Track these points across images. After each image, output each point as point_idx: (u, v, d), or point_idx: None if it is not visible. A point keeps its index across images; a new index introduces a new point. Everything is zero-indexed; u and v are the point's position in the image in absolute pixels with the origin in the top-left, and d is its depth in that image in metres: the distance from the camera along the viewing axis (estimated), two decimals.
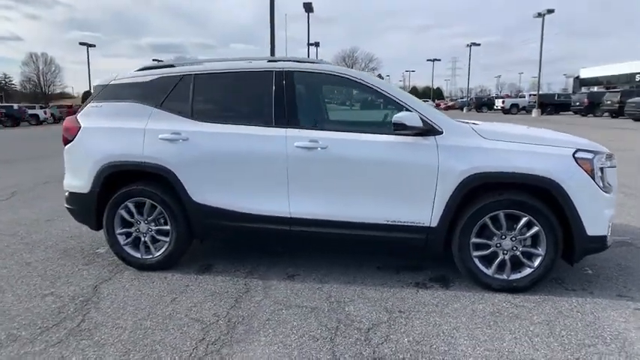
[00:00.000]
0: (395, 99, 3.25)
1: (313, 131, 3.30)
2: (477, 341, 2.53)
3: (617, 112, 25.66)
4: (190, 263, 3.75)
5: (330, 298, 3.10)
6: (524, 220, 3.03)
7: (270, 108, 3.37)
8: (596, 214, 2.99)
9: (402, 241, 3.24)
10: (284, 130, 3.30)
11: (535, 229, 3.03)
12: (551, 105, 35.25)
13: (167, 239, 3.56)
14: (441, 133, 3.12)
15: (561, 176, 2.94)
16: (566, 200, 2.95)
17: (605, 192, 3.03)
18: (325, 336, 2.60)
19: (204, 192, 3.41)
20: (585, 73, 54.35)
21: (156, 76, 3.62)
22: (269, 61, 3.61)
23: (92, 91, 3.95)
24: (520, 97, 42.94)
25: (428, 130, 3.10)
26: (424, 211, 3.12)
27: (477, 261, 3.15)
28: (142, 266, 3.60)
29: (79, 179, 3.64)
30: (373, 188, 3.19)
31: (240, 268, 3.65)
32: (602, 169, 3.03)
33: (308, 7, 29.43)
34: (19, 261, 3.89)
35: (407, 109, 3.17)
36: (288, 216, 3.31)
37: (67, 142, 3.70)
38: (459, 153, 3.06)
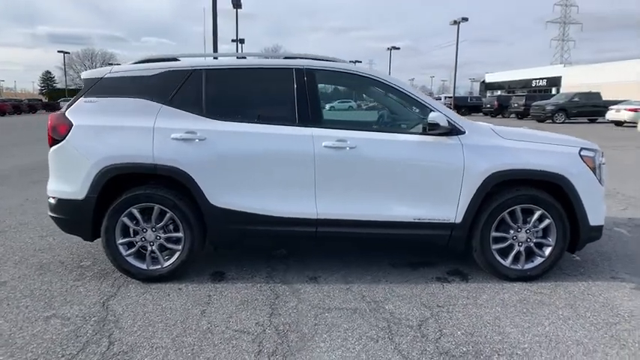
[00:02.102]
0: (418, 100, 3.34)
1: (340, 131, 3.26)
2: (522, 328, 2.70)
3: (523, 114, 28.64)
4: (199, 272, 3.50)
5: (365, 298, 3.10)
6: (537, 213, 3.29)
7: (293, 106, 3.26)
8: (596, 206, 3.34)
9: (427, 238, 3.33)
10: (309, 129, 3.21)
11: (547, 221, 3.30)
12: (465, 107, 38.23)
13: (178, 247, 3.28)
14: (464, 132, 3.26)
15: (571, 172, 3.24)
16: (575, 194, 3.25)
17: (602, 185, 3.40)
18: (383, 336, 2.60)
19: (224, 195, 3.20)
20: (490, 78, 59.94)
21: (162, 70, 3.31)
22: (285, 57, 3.48)
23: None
24: (437, 99, 46.02)
25: (452, 130, 3.22)
26: (450, 208, 3.25)
27: (495, 254, 3.34)
28: (149, 278, 3.29)
29: (71, 184, 3.21)
30: (402, 187, 3.24)
31: (255, 274, 3.49)
32: (600, 165, 3.38)
33: (237, 3, 28.68)
34: None
35: (430, 110, 3.27)
36: (315, 217, 3.24)
37: (54, 142, 3.25)
38: (482, 152, 3.22)
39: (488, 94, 53.38)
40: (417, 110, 3.36)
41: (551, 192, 3.30)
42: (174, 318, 2.79)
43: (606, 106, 23.75)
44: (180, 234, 3.26)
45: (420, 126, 3.27)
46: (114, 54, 79.54)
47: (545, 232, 3.35)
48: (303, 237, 3.32)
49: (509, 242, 3.35)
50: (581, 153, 3.33)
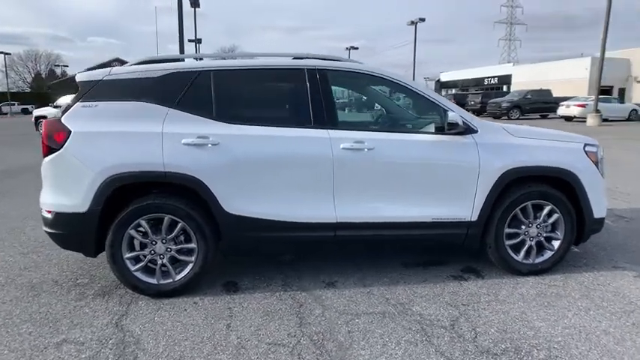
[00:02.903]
0: (432, 99, 3.34)
1: (356, 132, 3.21)
2: (549, 322, 2.76)
3: (479, 111, 29.74)
4: (211, 283, 3.32)
5: (389, 301, 3.06)
6: (547, 208, 3.39)
7: (307, 108, 3.17)
8: (600, 199, 3.48)
9: (445, 237, 3.35)
10: (326, 131, 3.14)
11: (556, 216, 3.41)
12: None
13: (191, 259, 3.11)
14: (477, 131, 3.30)
15: (578, 167, 3.36)
16: (581, 188, 3.37)
17: (603, 179, 3.55)
18: (420, 339, 2.58)
19: (240, 202, 3.06)
20: (444, 77, 61.91)
21: (167, 72, 3.12)
22: (294, 58, 3.38)
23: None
24: None
25: (466, 129, 3.25)
26: (466, 206, 3.28)
27: (509, 249, 3.41)
28: (160, 293, 3.09)
29: (71, 196, 2.96)
30: (420, 187, 3.23)
31: (270, 282, 3.37)
32: (601, 160, 3.53)
33: (194, 2, 27.89)
34: None
35: (444, 109, 3.28)
36: (334, 221, 3.17)
37: (49, 151, 2.98)
38: (495, 150, 3.27)
39: (443, 92, 55.12)
40: (431, 110, 3.36)
41: (558, 187, 3.41)
42: (199, 335, 2.63)
43: (557, 102, 25.17)
44: (192, 245, 3.09)
45: (434, 125, 3.27)
46: (60, 55, 75.24)
47: (554, 226, 3.46)
48: (321, 242, 3.24)
49: (521, 238, 3.43)
50: (586, 148, 3.46)
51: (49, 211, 3.04)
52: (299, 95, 3.22)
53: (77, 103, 3.04)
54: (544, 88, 28.69)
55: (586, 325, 2.71)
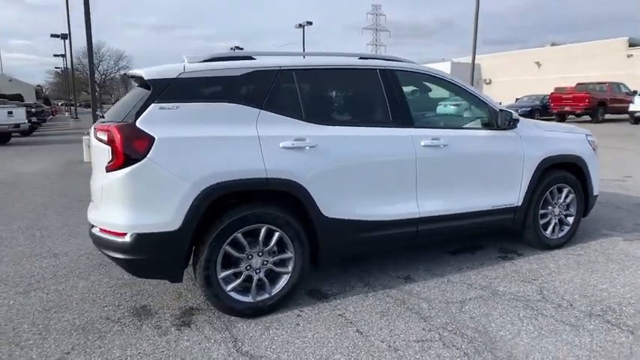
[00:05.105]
0: (482, 99, 3.65)
1: (431, 130, 3.35)
2: (608, 284, 3.28)
3: None
4: (294, 295, 3.13)
5: (473, 286, 3.29)
6: (565, 190, 3.98)
7: (385, 107, 3.22)
8: (597, 179, 4.21)
9: (498, 222, 3.71)
10: (407, 130, 3.22)
11: (571, 196, 4.02)
12: None
13: (288, 269, 2.91)
14: (517, 126, 3.71)
15: (585, 154, 4.03)
16: (587, 171, 4.05)
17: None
18: (534, 314, 2.85)
19: (337, 205, 2.97)
20: None
21: (250, 70, 2.86)
22: (360, 57, 3.36)
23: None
24: None
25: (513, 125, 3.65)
26: (515, 193, 3.67)
27: (541, 228, 3.92)
28: (258, 311, 2.83)
29: (157, 213, 2.53)
30: (484, 178, 3.52)
31: (353, 285, 3.33)
32: (596, 147, 4.26)
33: None
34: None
35: (491, 108, 3.62)
36: (417, 216, 3.27)
37: (127, 162, 2.49)
38: (533, 142, 3.73)
39: None
40: (482, 108, 3.66)
41: (571, 171, 4.03)
42: (341, 345, 2.51)
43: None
44: (289, 254, 2.89)
45: (480, 121, 3.61)
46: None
47: (569, 205, 4.07)
48: (404, 238, 3.31)
49: (549, 217, 3.96)
50: (587, 138, 4.14)
51: (123, 234, 2.55)
52: (376, 95, 3.23)
53: (152, 105, 2.60)
54: None
55: (635, 282, 3.29)
